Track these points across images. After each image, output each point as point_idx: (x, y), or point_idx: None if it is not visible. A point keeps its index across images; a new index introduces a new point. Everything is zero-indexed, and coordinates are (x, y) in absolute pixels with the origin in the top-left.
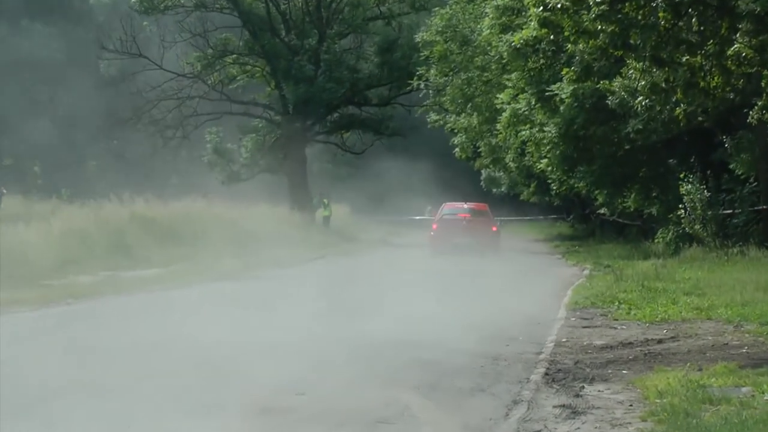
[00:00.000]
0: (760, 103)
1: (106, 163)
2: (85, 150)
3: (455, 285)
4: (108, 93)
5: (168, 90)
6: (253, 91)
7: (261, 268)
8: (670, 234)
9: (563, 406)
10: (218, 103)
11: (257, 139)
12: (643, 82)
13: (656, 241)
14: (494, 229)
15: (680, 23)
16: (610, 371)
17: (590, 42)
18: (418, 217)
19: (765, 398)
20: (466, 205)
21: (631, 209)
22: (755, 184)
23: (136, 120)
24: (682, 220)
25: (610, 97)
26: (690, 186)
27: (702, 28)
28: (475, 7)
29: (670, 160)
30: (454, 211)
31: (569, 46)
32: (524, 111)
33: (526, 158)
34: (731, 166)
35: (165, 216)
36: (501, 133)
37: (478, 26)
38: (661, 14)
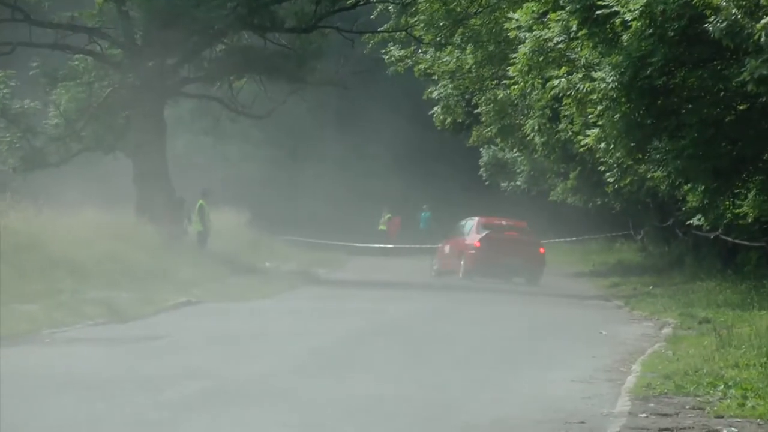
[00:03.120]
0: None
1: None
2: None
3: (452, 344)
4: None
5: None
6: (70, 6)
7: (75, 323)
8: None
9: None
10: (8, 27)
11: (77, 93)
12: None
13: None
14: (542, 251)
15: None
16: None
17: None
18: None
19: None
20: (505, 222)
21: (749, 219)
22: None
23: None
24: None
25: (711, 18)
26: None
27: None
28: None
29: None
30: (494, 228)
31: None
32: (558, 42)
33: (561, 127)
34: None
35: None
36: (516, 82)
37: None
38: None
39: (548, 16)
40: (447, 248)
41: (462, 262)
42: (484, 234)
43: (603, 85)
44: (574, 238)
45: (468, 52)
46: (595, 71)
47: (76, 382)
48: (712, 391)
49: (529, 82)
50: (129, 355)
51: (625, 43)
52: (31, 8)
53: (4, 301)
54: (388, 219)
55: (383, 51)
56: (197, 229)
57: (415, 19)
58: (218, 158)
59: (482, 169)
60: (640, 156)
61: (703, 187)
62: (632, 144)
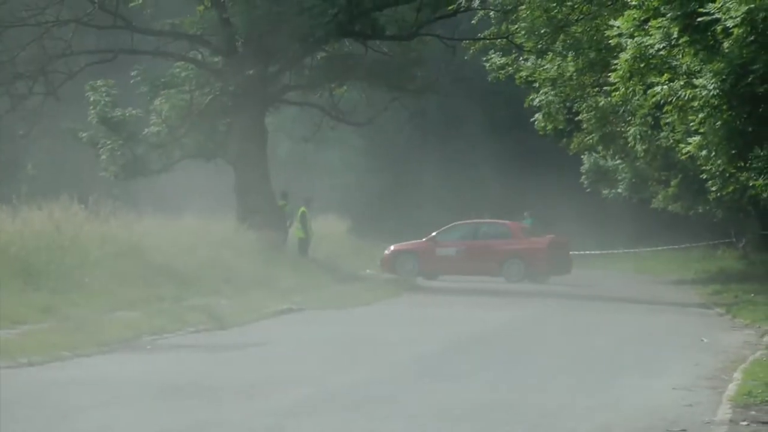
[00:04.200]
0: None
1: None
2: None
3: (554, 350)
4: None
5: (19, 9)
6: (171, 14)
7: (176, 330)
8: None
9: None
10: (110, 35)
11: (179, 100)
12: None
13: None
14: None
15: None
16: None
17: None
18: None
19: None
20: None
21: None
22: None
23: None
24: None
25: None
26: None
27: None
28: None
29: None
30: None
31: None
32: (659, 49)
33: (663, 134)
34: None
35: (12, 237)
36: (618, 88)
37: None
38: None
39: (649, 23)
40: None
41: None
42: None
43: (704, 93)
44: (675, 246)
45: (569, 59)
46: (697, 78)
47: (178, 389)
48: None
49: (631, 89)
50: (230, 362)
51: (726, 51)
52: (132, 16)
53: (106, 308)
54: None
55: (484, 58)
56: (299, 236)
57: (516, 26)
58: (319, 165)
59: (583, 177)
60: (742, 164)
61: None
62: (733, 152)
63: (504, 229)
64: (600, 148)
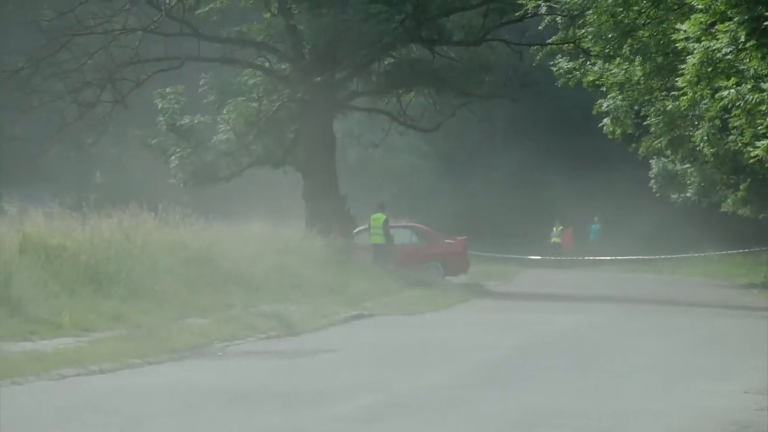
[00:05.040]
0: None
1: None
2: None
3: (623, 356)
4: None
5: (86, 18)
6: (238, 21)
7: (246, 336)
8: None
9: None
10: (177, 42)
11: (246, 108)
12: None
13: None
14: None
15: None
16: None
17: None
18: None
19: None
20: None
21: None
22: None
23: (31, 72)
24: None
25: None
26: None
27: None
28: None
29: None
30: None
31: None
32: (727, 53)
33: (731, 138)
34: None
35: (82, 244)
36: (685, 93)
37: None
38: None
39: (716, 27)
40: None
41: None
42: None
43: None
44: (744, 250)
45: (636, 63)
46: (764, 82)
47: (247, 395)
48: None
49: (698, 93)
50: (300, 368)
51: None
52: (199, 23)
53: (176, 315)
54: (560, 231)
55: (551, 63)
56: (377, 242)
57: (583, 31)
58: (387, 171)
59: (652, 181)
60: None
61: None
62: None
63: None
64: (668, 152)
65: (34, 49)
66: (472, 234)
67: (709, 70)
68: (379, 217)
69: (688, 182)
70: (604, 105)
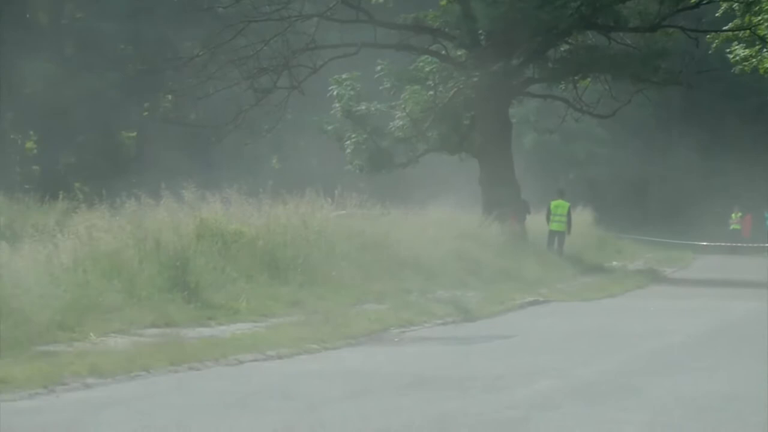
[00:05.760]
0: None
1: (152, 134)
2: (113, 113)
3: None
4: (154, 14)
5: (263, 4)
6: (414, 7)
7: (423, 322)
8: None
9: None
10: (353, 29)
11: (422, 94)
12: None
13: None
14: None
15: None
16: None
17: None
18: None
19: None
20: None
21: None
22: None
23: (207, 59)
24: None
25: None
26: None
27: None
28: None
29: None
30: None
31: None
32: None
33: None
34: None
35: (259, 230)
36: None
37: None
38: None
39: None
40: None
41: None
42: None
43: None
44: None
45: None
46: None
47: (424, 380)
48: None
49: None
50: (477, 354)
51: None
52: (375, 10)
53: (353, 301)
54: (739, 217)
55: (728, 50)
56: (558, 229)
57: (759, 18)
58: (564, 157)
59: None
60: None
61: None
62: None
63: None
64: None
65: (210, 36)
66: (648, 220)
67: None
68: (562, 204)
69: None
70: None
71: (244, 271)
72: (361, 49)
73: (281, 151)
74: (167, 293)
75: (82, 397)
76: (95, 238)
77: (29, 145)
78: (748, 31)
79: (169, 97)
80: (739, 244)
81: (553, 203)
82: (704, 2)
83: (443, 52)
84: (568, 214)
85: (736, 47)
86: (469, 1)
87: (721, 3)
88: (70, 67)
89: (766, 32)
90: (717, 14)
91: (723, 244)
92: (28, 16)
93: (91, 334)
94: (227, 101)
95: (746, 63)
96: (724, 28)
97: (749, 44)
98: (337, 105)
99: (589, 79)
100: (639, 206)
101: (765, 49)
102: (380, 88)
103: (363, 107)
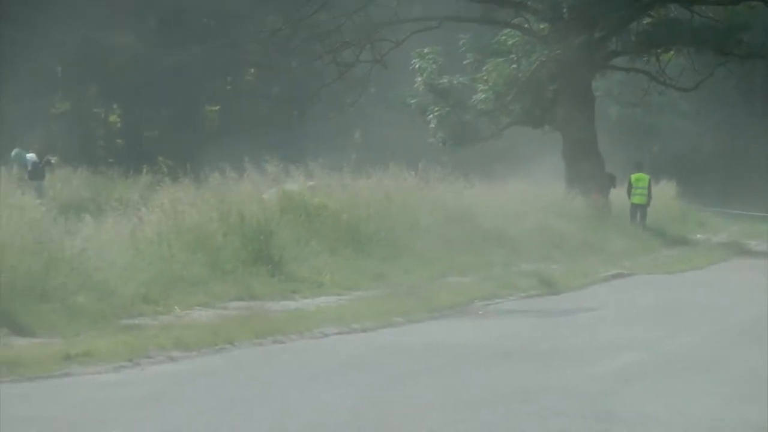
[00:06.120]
0: None
1: (235, 108)
2: (196, 87)
3: None
4: None
5: None
6: None
7: (507, 295)
8: None
9: None
10: (435, 2)
11: (505, 68)
12: None
13: None
14: None
15: None
16: None
17: None
18: None
19: None
20: None
21: None
22: None
23: (290, 33)
24: None
25: None
26: None
27: None
28: None
29: None
30: None
31: None
32: None
33: None
34: None
35: (343, 204)
36: None
37: None
38: None
39: None
40: None
41: None
42: None
43: None
44: None
45: None
46: None
47: (508, 353)
48: None
49: None
50: (561, 327)
51: None
52: None
53: (436, 274)
54: None
55: None
56: (640, 203)
57: None
58: (646, 130)
59: None
60: None
61: None
62: None
63: None
64: None
65: (292, 11)
66: (731, 193)
67: None
68: (643, 177)
69: None
70: None
71: (327, 245)
72: (443, 23)
73: (364, 125)
74: (251, 266)
75: (166, 369)
76: (179, 212)
77: (113, 118)
78: None
79: (252, 71)
80: None
81: (634, 176)
82: None
83: (526, 25)
84: (649, 186)
85: None
86: None
87: None
88: (153, 41)
89: None
90: None
91: None
92: None
93: (176, 307)
94: (310, 76)
95: None
96: None
97: None
98: (420, 78)
99: (671, 52)
100: (722, 179)
101: None
102: (464, 62)
103: (445, 80)
